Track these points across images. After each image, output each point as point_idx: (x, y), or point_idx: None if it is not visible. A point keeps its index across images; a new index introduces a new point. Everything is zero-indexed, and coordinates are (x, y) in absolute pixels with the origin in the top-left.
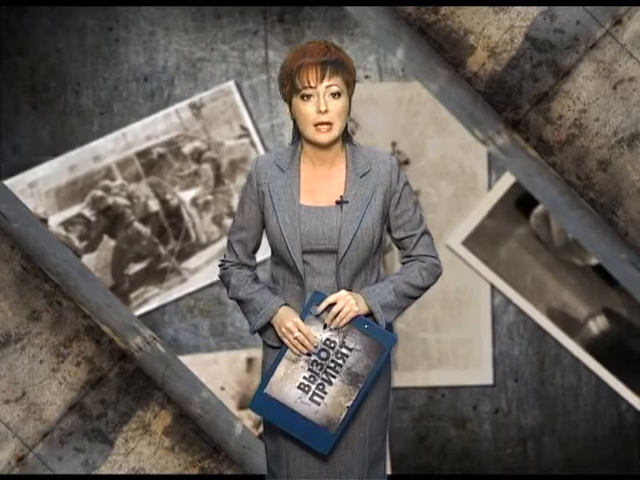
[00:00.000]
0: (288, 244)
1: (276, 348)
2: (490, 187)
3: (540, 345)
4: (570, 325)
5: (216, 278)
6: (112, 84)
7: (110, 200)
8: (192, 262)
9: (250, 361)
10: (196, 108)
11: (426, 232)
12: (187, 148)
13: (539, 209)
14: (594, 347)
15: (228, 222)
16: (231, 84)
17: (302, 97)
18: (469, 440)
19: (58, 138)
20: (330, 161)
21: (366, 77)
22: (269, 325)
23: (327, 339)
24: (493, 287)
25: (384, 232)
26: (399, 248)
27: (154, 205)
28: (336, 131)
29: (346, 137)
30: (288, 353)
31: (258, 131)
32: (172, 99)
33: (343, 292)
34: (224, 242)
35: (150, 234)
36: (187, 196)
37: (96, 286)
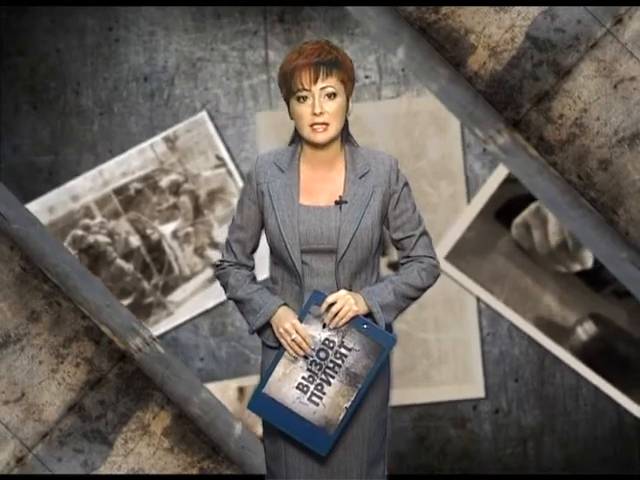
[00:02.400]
0: (287, 243)
1: (275, 348)
2: (469, 201)
3: (540, 345)
4: (559, 333)
5: (202, 309)
6: (112, 84)
7: (91, 239)
8: (177, 295)
9: (241, 390)
10: (170, 141)
11: (425, 233)
12: (164, 182)
13: (519, 219)
14: (584, 353)
15: (210, 253)
16: (204, 114)
17: (298, 99)
18: (469, 440)
19: (58, 138)
20: (329, 162)
21: (366, 77)
22: (268, 325)
23: (326, 339)
24: (479, 300)
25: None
26: (398, 249)
27: (135, 241)
28: (332, 131)
29: (345, 138)
30: (287, 353)
31: (234, 159)
32: (172, 99)
33: (342, 292)
34: (208, 273)
35: (133, 270)
36: (167, 229)
37: (95, 287)
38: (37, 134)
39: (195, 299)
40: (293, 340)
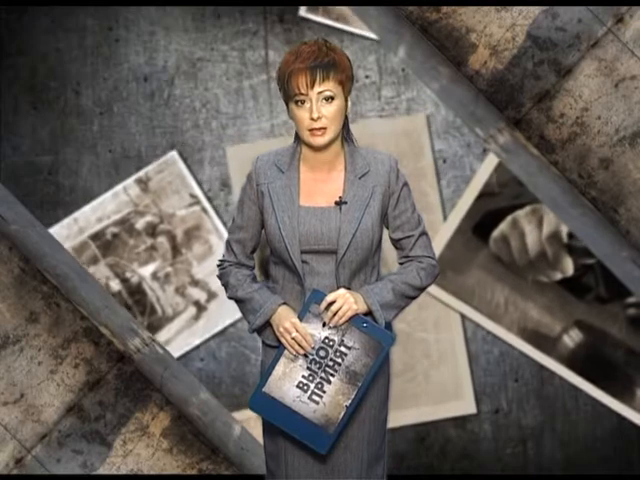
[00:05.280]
0: (287, 244)
1: (275, 347)
2: (445, 218)
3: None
4: (545, 342)
5: (189, 348)
6: (112, 84)
7: None
8: (162, 336)
9: None
10: (143, 183)
11: (424, 233)
12: (140, 224)
13: (497, 232)
14: (572, 361)
15: (192, 291)
16: (174, 154)
17: (296, 102)
18: (469, 440)
19: (58, 138)
20: (329, 162)
21: (366, 77)
22: (268, 324)
23: (326, 337)
24: (464, 316)
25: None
26: (397, 248)
27: (115, 285)
28: (331, 134)
29: (346, 136)
30: (287, 352)
31: (207, 196)
32: (172, 99)
33: (342, 290)
34: (191, 312)
35: None
36: (147, 271)
37: (94, 288)
38: (37, 134)
39: (180, 338)
40: (293, 339)
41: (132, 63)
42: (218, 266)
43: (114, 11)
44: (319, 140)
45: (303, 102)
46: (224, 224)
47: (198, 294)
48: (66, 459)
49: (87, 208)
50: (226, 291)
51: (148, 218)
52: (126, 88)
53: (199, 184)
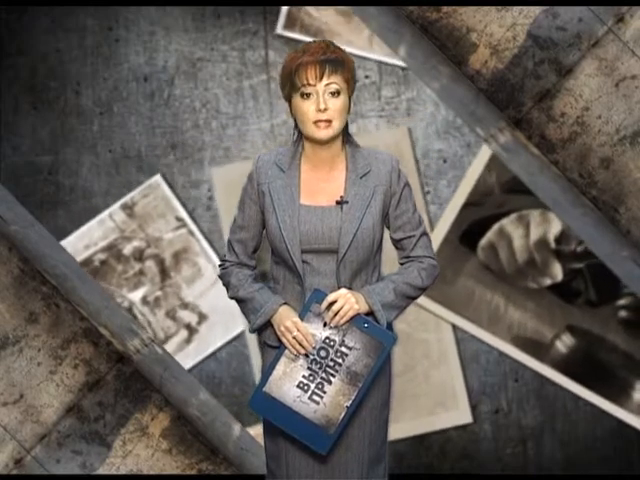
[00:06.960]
0: (287, 244)
1: (275, 348)
2: (432, 227)
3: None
4: (538, 349)
5: None
6: (112, 84)
7: None
8: None
9: None
10: (128, 208)
11: (425, 233)
12: (127, 249)
13: (484, 241)
14: (566, 366)
15: (182, 314)
16: (158, 177)
17: (301, 95)
18: (469, 440)
19: (58, 138)
20: (330, 162)
21: (366, 77)
22: (268, 324)
23: (327, 337)
24: (455, 326)
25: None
26: (397, 249)
27: None
28: (335, 128)
29: (346, 137)
30: (287, 351)
31: (194, 218)
32: (172, 99)
33: (343, 290)
34: (183, 335)
35: None
36: (136, 296)
37: (94, 288)
38: (37, 134)
39: None
40: (294, 338)
41: (132, 63)
42: (219, 266)
43: (114, 11)
44: (324, 133)
45: (309, 95)
46: (212, 247)
47: (189, 317)
48: (65, 459)
49: (74, 236)
50: (227, 291)
51: (135, 243)
52: (126, 88)
53: (184, 206)
